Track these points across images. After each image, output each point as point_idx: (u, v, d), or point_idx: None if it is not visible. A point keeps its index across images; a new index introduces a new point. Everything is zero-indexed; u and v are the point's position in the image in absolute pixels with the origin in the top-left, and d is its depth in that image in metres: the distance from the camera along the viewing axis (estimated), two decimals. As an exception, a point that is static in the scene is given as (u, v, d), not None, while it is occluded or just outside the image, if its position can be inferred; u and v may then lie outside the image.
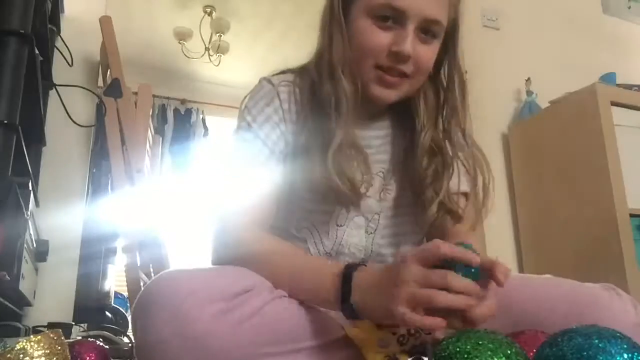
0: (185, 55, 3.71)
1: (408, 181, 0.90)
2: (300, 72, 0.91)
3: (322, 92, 0.83)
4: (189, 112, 4.23)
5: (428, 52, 0.81)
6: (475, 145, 0.90)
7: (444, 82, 0.87)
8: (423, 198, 0.86)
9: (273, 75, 0.92)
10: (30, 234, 1.26)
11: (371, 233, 0.89)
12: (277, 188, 0.84)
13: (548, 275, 0.85)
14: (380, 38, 0.79)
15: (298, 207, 0.88)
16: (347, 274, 0.66)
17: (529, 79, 2.29)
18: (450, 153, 0.87)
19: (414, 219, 0.90)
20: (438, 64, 0.86)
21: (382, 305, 0.60)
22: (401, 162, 0.90)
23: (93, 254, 2.18)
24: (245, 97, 0.90)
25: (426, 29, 0.80)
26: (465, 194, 0.92)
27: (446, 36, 0.85)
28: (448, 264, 0.58)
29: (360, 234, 0.88)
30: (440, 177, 0.86)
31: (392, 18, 0.78)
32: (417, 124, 0.87)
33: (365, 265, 0.68)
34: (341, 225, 0.88)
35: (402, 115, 0.91)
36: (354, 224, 0.88)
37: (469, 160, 0.88)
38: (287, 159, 0.85)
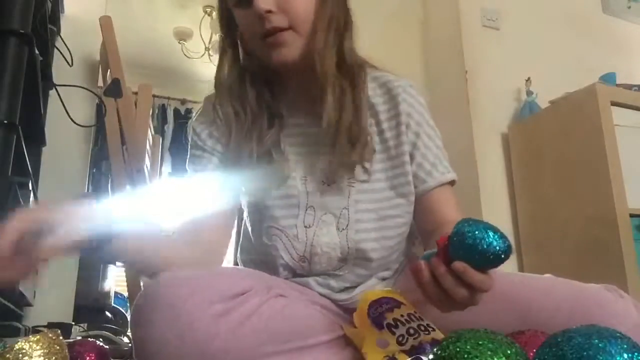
0: (185, 55, 3.71)
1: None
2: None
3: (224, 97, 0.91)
4: (189, 112, 4.24)
5: (286, 2, 0.80)
6: (357, 60, 0.88)
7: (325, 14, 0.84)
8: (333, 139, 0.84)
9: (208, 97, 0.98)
10: (30, 234, 1.25)
11: (343, 229, 0.86)
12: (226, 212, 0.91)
13: (548, 275, 0.85)
14: (246, 15, 0.82)
15: (265, 217, 0.89)
16: None
17: (529, 79, 2.29)
18: (339, 86, 0.85)
19: (383, 213, 0.88)
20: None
21: None
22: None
23: (93, 254, 2.17)
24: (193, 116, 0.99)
25: None
26: (452, 182, 0.92)
27: None
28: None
29: (332, 232, 0.86)
30: (345, 108, 0.84)
31: None
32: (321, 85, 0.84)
33: None
34: (309, 226, 0.87)
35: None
36: (323, 223, 0.86)
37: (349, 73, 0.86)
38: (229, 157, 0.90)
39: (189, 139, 0.96)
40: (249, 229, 0.95)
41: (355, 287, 0.89)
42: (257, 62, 0.87)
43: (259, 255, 0.92)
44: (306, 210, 0.87)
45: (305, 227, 0.87)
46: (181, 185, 0.97)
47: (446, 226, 0.75)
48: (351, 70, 0.86)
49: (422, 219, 0.91)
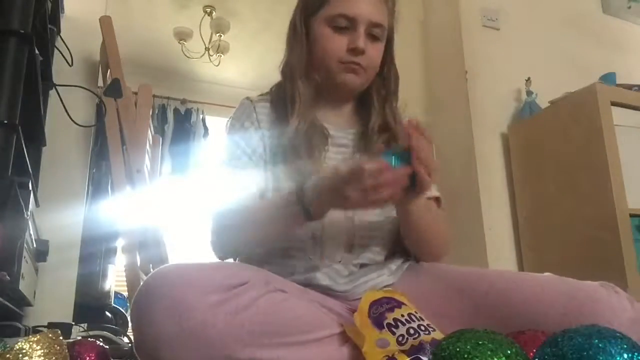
0: (185, 55, 3.71)
1: None
2: (271, 89, 1.09)
3: (285, 92, 1.02)
4: (189, 112, 4.23)
5: (375, 50, 1.01)
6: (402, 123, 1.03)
7: (386, 77, 1.07)
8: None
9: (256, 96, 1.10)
10: (30, 234, 1.26)
11: (350, 216, 0.95)
12: (256, 184, 0.98)
13: (548, 274, 0.86)
14: (340, 40, 0.98)
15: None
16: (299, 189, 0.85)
17: (529, 79, 2.29)
18: (394, 129, 1.03)
19: (386, 212, 0.98)
20: (383, 64, 1.05)
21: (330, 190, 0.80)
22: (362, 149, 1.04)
23: (93, 253, 2.18)
24: (231, 117, 1.08)
25: (372, 32, 0.99)
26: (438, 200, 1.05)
27: (387, 42, 1.04)
28: None
29: (340, 218, 0.94)
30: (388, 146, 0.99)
31: (346, 24, 0.98)
32: (371, 110, 1.05)
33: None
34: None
35: (361, 112, 1.09)
36: (334, 216, 0.92)
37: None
38: (270, 156, 1.00)
39: (239, 117, 1.05)
40: None
41: (358, 278, 0.92)
42: (317, 72, 1.01)
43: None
44: None
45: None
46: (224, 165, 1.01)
47: None
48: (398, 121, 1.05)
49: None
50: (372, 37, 0.99)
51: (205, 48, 3.72)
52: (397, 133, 1.03)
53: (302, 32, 1.03)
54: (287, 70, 1.03)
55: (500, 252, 2.11)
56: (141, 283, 0.72)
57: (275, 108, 1.04)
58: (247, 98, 1.08)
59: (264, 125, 1.04)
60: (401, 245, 1.00)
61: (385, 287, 0.93)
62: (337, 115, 1.07)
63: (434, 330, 0.74)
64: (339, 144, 1.03)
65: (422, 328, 0.73)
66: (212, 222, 0.96)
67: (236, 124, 1.04)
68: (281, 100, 1.03)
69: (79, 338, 1.44)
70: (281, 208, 0.88)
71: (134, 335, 0.71)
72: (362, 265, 0.95)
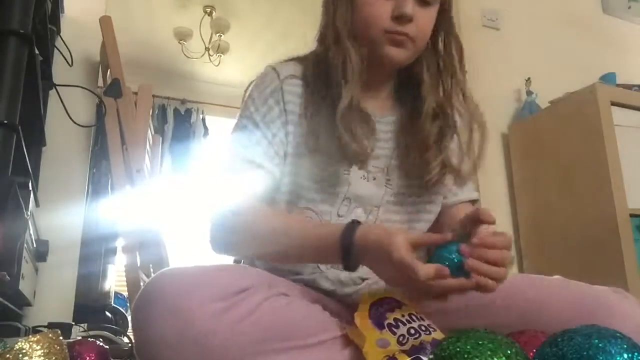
0: (185, 55, 3.71)
1: (410, 168, 0.92)
2: (305, 59, 0.94)
3: (328, 60, 0.87)
4: (189, 112, 4.23)
5: (426, 16, 0.87)
6: (474, 104, 0.93)
7: (442, 50, 0.92)
8: (426, 157, 0.89)
9: (280, 62, 0.95)
10: (30, 234, 1.26)
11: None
12: (273, 178, 0.87)
13: (557, 277, 0.85)
14: (385, 6, 0.85)
15: (301, 199, 0.89)
16: (346, 235, 0.72)
17: (529, 79, 2.29)
18: (452, 114, 0.91)
19: (413, 213, 0.93)
20: (436, 34, 0.91)
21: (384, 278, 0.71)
22: (405, 153, 0.92)
23: (93, 254, 2.17)
24: (251, 83, 0.94)
25: None
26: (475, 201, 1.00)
27: (441, 6, 0.90)
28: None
29: None
30: (443, 137, 0.90)
31: None
32: (422, 90, 0.90)
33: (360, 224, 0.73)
34: (342, 216, 0.89)
35: (404, 92, 0.95)
36: (354, 215, 0.89)
37: (466, 118, 0.92)
38: (291, 148, 0.88)
39: (263, 92, 0.91)
40: (273, 200, 0.90)
41: (362, 281, 0.90)
42: (362, 48, 0.87)
43: None
44: (343, 200, 0.89)
45: (339, 216, 0.89)
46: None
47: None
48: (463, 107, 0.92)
49: (444, 227, 0.97)
50: (423, 2, 0.86)
51: (205, 48, 3.72)
52: (454, 120, 0.89)
53: None
54: (331, 34, 0.87)
55: (500, 252, 2.11)
56: (141, 284, 0.71)
57: (310, 84, 0.90)
58: (274, 69, 0.92)
59: (291, 107, 0.89)
60: None
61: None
62: (374, 98, 0.93)
63: (435, 330, 0.74)
64: (377, 138, 0.90)
65: (423, 328, 0.73)
66: (216, 217, 0.85)
67: (258, 102, 0.90)
68: (321, 73, 0.88)
69: (79, 338, 1.44)
70: (314, 240, 0.77)
71: (134, 338, 0.70)
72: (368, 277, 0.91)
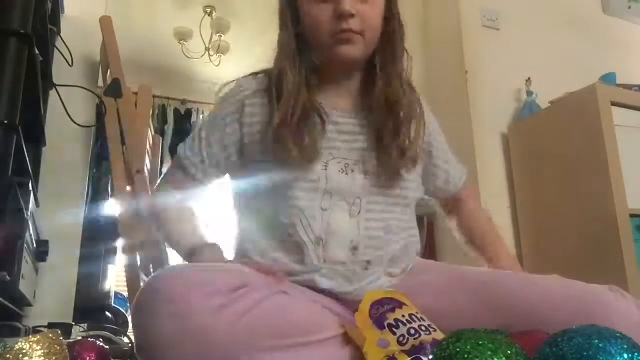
0: (185, 55, 3.71)
1: (380, 157, 0.95)
2: (268, 69, 1.01)
3: (279, 72, 0.95)
4: (189, 112, 4.23)
5: (369, 8, 0.91)
6: (412, 88, 0.99)
7: (388, 37, 0.96)
8: (384, 145, 0.93)
9: (247, 76, 1.04)
10: (30, 234, 1.25)
11: (354, 216, 0.92)
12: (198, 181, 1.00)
13: (555, 276, 0.86)
14: (323, 10, 0.90)
15: (285, 196, 0.91)
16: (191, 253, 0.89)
17: (529, 79, 2.29)
18: (401, 104, 0.95)
19: (392, 199, 0.96)
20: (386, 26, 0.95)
21: None
22: (374, 145, 0.96)
23: (93, 254, 2.18)
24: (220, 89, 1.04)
25: None
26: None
27: None
28: None
29: (344, 217, 0.91)
30: (398, 125, 0.94)
31: None
32: (376, 83, 0.95)
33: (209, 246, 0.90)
34: (325, 209, 0.91)
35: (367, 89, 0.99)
36: (338, 207, 0.91)
37: (410, 104, 0.97)
38: (260, 155, 0.95)
39: (224, 101, 1.01)
40: (259, 205, 0.96)
41: (361, 280, 0.90)
42: (313, 52, 0.94)
43: (275, 238, 0.92)
44: (323, 194, 0.91)
45: (322, 209, 0.91)
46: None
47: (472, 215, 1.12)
48: (413, 94, 0.98)
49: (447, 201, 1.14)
50: None
51: (205, 48, 3.72)
52: (409, 105, 0.95)
53: (287, 11, 0.96)
54: (276, 53, 0.97)
55: (500, 252, 2.11)
56: (141, 284, 0.72)
57: (264, 96, 0.97)
58: (239, 84, 1.02)
59: (256, 119, 0.96)
60: (407, 251, 0.97)
61: (386, 287, 0.92)
62: (341, 97, 0.98)
63: (435, 330, 0.74)
64: (345, 131, 0.95)
65: (423, 328, 0.73)
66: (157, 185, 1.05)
67: (218, 112, 1.01)
68: (274, 85, 0.95)
69: (79, 338, 1.44)
70: (175, 242, 0.97)
71: (135, 337, 0.70)
72: (365, 267, 0.91)
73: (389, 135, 0.93)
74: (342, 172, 0.93)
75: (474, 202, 1.18)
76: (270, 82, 0.96)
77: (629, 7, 2.75)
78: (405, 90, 0.96)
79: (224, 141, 0.97)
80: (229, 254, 0.98)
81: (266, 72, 1.00)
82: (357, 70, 0.98)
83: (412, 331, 0.72)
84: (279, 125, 0.90)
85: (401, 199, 0.98)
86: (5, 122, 0.93)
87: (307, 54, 0.94)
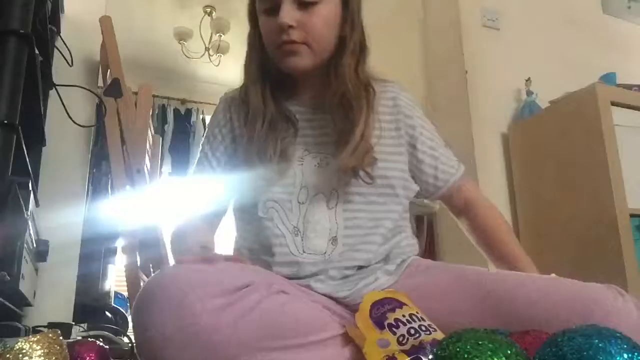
0: (185, 55, 3.71)
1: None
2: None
3: (242, 92, 1.01)
4: (189, 112, 4.23)
5: (312, 16, 0.91)
6: (361, 80, 0.98)
7: (347, 40, 0.96)
8: (344, 141, 0.93)
9: (233, 90, 1.08)
10: (30, 234, 1.26)
11: (332, 208, 0.94)
12: (211, 200, 1.02)
13: (553, 275, 0.86)
14: (270, 23, 0.93)
15: (263, 192, 0.95)
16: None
17: (529, 79, 2.29)
18: (355, 102, 0.94)
19: (370, 193, 0.96)
20: (344, 27, 0.95)
21: None
22: (339, 135, 0.96)
23: (93, 254, 2.17)
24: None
25: None
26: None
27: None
28: None
29: (322, 208, 0.93)
30: (352, 120, 0.94)
31: (271, 3, 0.92)
32: (330, 84, 0.96)
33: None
34: (303, 203, 0.94)
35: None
36: (316, 200, 0.94)
37: (359, 93, 0.96)
38: (244, 155, 0.98)
39: (213, 118, 1.09)
40: (244, 208, 1.00)
41: (357, 282, 0.90)
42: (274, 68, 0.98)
43: (255, 234, 0.96)
44: (300, 189, 0.94)
45: (299, 202, 0.94)
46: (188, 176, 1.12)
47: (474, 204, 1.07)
48: (360, 90, 0.96)
49: (452, 203, 1.10)
50: (302, 5, 0.90)
51: (205, 48, 3.72)
52: (361, 106, 0.94)
53: (250, 25, 1.01)
54: (244, 72, 1.02)
55: (500, 252, 2.11)
56: (142, 284, 0.72)
57: (243, 108, 1.02)
58: (225, 97, 1.08)
59: (239, 124, 1.03)
60: (399, 246, 0.98)
61: (386, 288, 0.92)
62: (311, 95, 1.02)
63: (435, 330, 0.74)
64: (318, 126, 0.99)
65: (423, 328, 0.73)
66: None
67: (210, 128, 1.07)
68: (244, 103, 1.01)
69: (79, 338, 1.44)
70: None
71: (135, 337, 0.70)
72: (358, 268, 0.92)
73: (346, 131, 0.94)
74: (318, 166, 0.96)
75: (480, 202, 1.10)
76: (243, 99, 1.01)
77: (629, 7, 2.76)
78: (353, 85, 0.95)
79: (222, 151, 1.05)
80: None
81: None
82: (317, 73, 0.98)
83: (413, 331, 0.72)
84: (247, 142, 0.96)
85: (385, 188, 0.97)
86: (5, 122, 0.93)
87: (271, 64, 0.97)
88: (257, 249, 0.95)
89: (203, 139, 1.09)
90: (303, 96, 1.02)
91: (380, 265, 0.94)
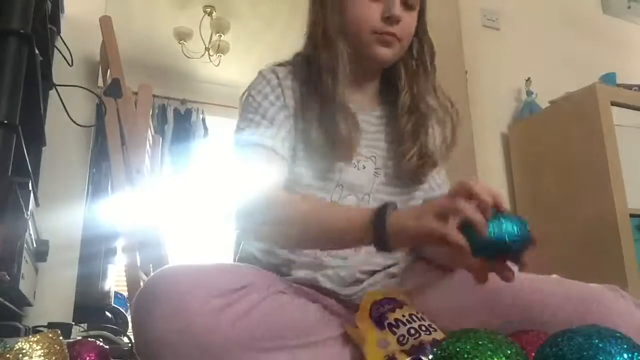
0: (185, 55, 3.71)
1: (394, 159, 0.96)
2: (294, 58, 0.99)
3: (319, 61, 0.91)
4: (189, 112, 4.23)
5: (410, 18, 0.93)
6: (446, 96, 1.01)
7: (417, 51, 0.99)
8: (402, 149, 0.94)
9: (272, 66, 0.99)
10: (30, 234, 1.26)
11: None
12: (284, 161, 0.89)
13: (554, 276, 0.85)
14: (374, 7, 0.90)
15: (298, 185, 0.91)
16: (381, 209, 0.71)
17: (529, 79, 2.29)
18: (425, 110, 0.97)
19: (401, 203, 0.94)
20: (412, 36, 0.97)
21: (415, 224, 0.66)
22: (389, 145, 0.97)
23: (93, 254, 2.18)
24: (247, 89, 0.96)
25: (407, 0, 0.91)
26: None
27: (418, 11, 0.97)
28: None
29: None
30: (418, 130, 0.95)
31: None
32: (399, 87, 0.97)
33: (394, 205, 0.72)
34: (336, 202, 0.92)
35: (387, 87, 1.01)
36: (347, 202, 0.92)
37: (440, 111, 0.99)
38: (291, 134, 0.92)
39: (263, 90, 0.93)
40: None
41: (363, 281, 0.90)
42: (350, 47, 0.92)
43: None
44: (335, 187, 0.92)
45: (333, 202, 0.91)
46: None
47: None
48: (429, 97, 0.98)
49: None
50: (407, 5, 0.92)
51: (205, 48, 3.72)
52: (429, 114, 0.96)
53: (329, 9, 0.92)
54: (320, 34, 0.92)
55: (500, 252, 2.11)
56: (142, 284, 0.72)
57: (302, 83, 0.93)
58: (272, 70, 0.96)
59: (290, 103, 0.93)
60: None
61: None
62: (361, 94, 0.98)
63: (435, 330, 0.74)
64: (362, 129, 0.94)
65: (423, 328, 0.73)
66: (244, 210, 0.84)
67: (259, 98, 0.92)
68: (312, 72, 0.92)
69: (79, 338, 1.44)
70: (345, 221, 0.76)
71: (134, 337, 0.70)
72: (371, 273, 0.91)
73: (409, 139, 0.94)
74: (355, 167, 0.94)
75: None
76: (307, 69, 0.93)
77: (629, 7, 2.75)
78: (430, 96, 0.97)
79: (287, 122, 0.92)
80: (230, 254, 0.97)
81: (288, 62, 0.98)
82: (381, 71, 1.00)
83: (413, 331, 0.72)
84: (331, 108, 0.88)
85: (416, 200, 0.97)
86: (5, 122, 0.93)
87: (350, 49, 0.92)
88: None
89: (249, 108, 0.93)
90: (363, 92, 0.99)
91: (388, 268, 0.94)
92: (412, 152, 0.93)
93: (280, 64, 0.99)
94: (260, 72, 0.96)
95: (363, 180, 0.94)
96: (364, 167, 0.94)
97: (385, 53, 0.92)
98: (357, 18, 0.91)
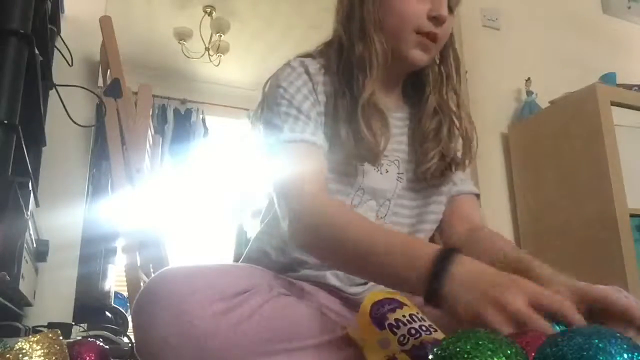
0: (185, 55, 3.71)
1: (417, 163, 0.94)
2: (322, 50, 0.95)
3: (352, 54, 0.87)
4: (189, 112, 4.23)
5: (450, 21, 0.89)
6: (467, 109, 0.98)
7: (445, 58, 0.95)
8: (424, 148, 0.92)
9: (301, 58, 0.94)
10: (30, 234, 1.26)
11: (381, 217, 0.91)
12: (325, 157, 0.85)
13: None
14: (419, 7, 0.86)
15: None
16: (442, 261, 0.62)
17: (529, 79, 2.29)
18: (449, 114, 0.94)
19: (421, 209, 0.94)
20: None
21: (470, 303, 0.59)
22: (413, 149, 0.95)
23: (93, 254, 2.18)
24: (269, 80, 0.91)
25: (450, 2, 0.88)
26: (478, 196, 1.04)
27: None
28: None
29: (372, 218, 0.90)
30: (441, 131, 0.93)
31: None
32: (426, 91, 0.94)
33: (460, 253, 0.64)
34: (355, 207, 0.90)
35: (411, 90, 0.99)
36: (367, 207, 0.90)
37: (461, 121, 0.95)
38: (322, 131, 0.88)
39: (293, 81, 0.88)
40: None
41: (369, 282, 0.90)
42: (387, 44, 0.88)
43: None
44: (357, 191, 0.90)
45: (353, 205, 0.89)
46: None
47: (476, 231, 0.92)
48: (454, 104, 0.95)
49: (452, 217, 0.98)
50: (450, 9, 0.88)
51: (205, 48, 3.72)
52: (452, 118, 0.93)
53: (370, 5, 0.87)
54: (355, 26, 0.87)
55: (500, 252, 2.11)
56: (142, 284, 0.71)
57: (332, 78, 0.89)
58: (302, 63, 0.90)
59: (321, 98, 0.88)
60: None
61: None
62: (389, 95, 0.95)
63: (436, 330, 0.73)
64: (390, 133, 0.91)
65: (424, 328, 0.73)
66: (300, 214, 0.77)
67: (292, 90, 0.86)
68: (344, 67, 0.88)
69: (79, 338, 1.44)
70: (399, 259, 0.67)
71: (135, 338, 0.70)
72: None
73: (432, 139, 0.92)
74: (377, 171, 0.91)
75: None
76: (336, 61, 0.89)
77: (629, 7, 2.76)
78: (453, 103, 0.95)
79: (319, 117, 0.88)
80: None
81: (317, 53, 0.94)
82: (409, 73, 0.97)
83: (413, 331, 0.72)
84: (365, 105, 0.83)
85: (431, 214, 0.95)
86: (5, 122, 0.93)
87: (388, 47, 0.88)
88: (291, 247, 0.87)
89: (282, 100, 0.86)
90: (390, 93, 0.96)
91: None
92: (434, 152, 0.92)
93: (307, 55, 0.94)
94: (288, 64, 0.90)
95: (386, 185, 0.92)
96: (387, 172, 0.92)
97: (422, 58, 0.89)
98: (402, 13, 0.86)
